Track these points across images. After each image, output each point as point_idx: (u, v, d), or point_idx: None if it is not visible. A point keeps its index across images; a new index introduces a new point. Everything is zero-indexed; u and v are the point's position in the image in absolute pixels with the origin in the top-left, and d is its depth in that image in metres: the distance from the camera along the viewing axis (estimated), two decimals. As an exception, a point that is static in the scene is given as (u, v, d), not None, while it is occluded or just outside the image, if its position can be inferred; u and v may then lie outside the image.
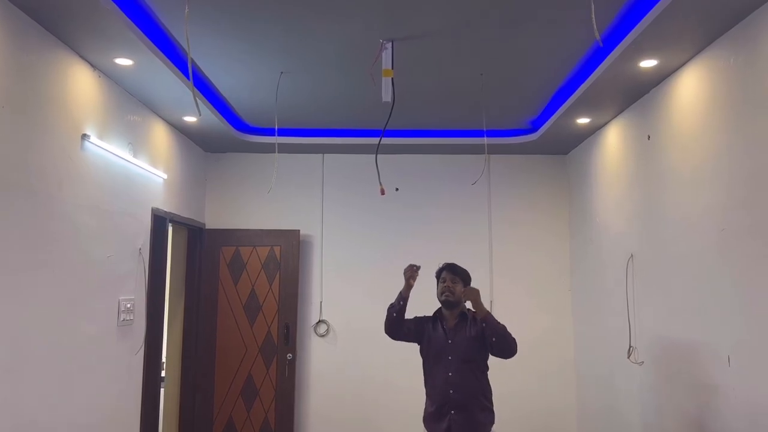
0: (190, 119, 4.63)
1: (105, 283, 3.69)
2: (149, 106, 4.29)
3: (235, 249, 5.53)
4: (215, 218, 5.71)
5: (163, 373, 5.19)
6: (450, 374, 3.34)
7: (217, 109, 4.60)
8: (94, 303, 3.56)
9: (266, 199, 5.56)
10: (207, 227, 5.63)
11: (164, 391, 5.36)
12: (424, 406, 3.49)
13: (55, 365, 3.13)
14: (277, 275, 5.48)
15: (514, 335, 3.36)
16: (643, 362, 3.97)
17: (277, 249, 5.52)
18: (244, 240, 5.54)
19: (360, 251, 5.67)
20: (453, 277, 3.47)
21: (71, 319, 3.29)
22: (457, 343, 3.39)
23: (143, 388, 4.24)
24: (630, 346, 4.12)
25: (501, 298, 5.61)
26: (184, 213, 5.13)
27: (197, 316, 5.43)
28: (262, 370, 5.38)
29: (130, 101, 4.03)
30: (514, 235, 5.71)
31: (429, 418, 3.42)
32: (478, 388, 3.37)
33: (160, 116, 4.54)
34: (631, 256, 4.15)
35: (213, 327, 5.42)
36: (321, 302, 5.61)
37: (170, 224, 4.86)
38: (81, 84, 3.39)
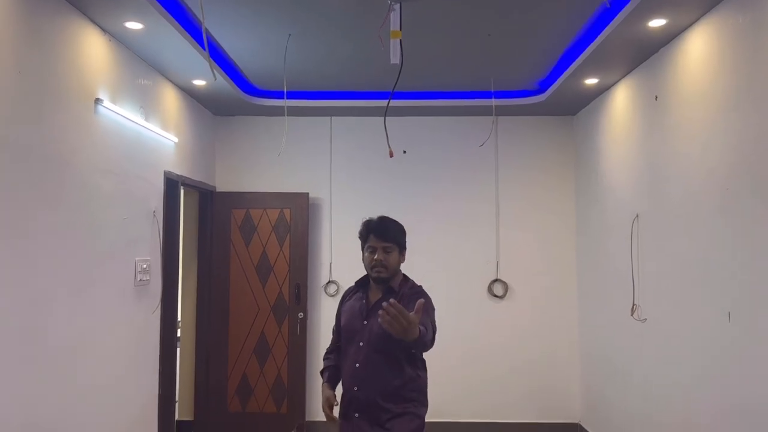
0: (199, 83, 4.67)
1: (121, 245, 3.79)
2: (159, 69, 4.33)
3: (245, 212, 5.62)
4: (225, 181, 5.79)
5: (178, 333, 5.35)
6: (357, 366, 2.53)
7: (226, 72, 4.63)
8: (111, 264, 3.67)
9: (275, 162, 5.63)
10: (217, 190, 5.72)
11: (180, 349, 5.53)
12: None
13: (76, 324, 3.25)
14: (288, 237, 5.59)
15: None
16: (646, 319, 4.06)
17: (286, 211, 5.60)
18: (254, 203, 5.62)
19: (368, 213, 5.69)
20: (385, 245, 2.58)
21: (90, 280, 3.40)
22: (373, 326, 2.50)
23: (160, 346, 4.39)
24: (633, 304, 4.21)
25: (507, 259, 5.70)
26: (195, 176, 5.20)
27: (210, 277, 5.57)
28: (275, 328, 5.53)
29: (140, 65, 4.06)
30: (520, 195, 5.76)
31: (340, 416, 2.64)
32: (393, 388, 2.50)
33: (169, 80, 4.58)
34: (637, 215, 4.21)
35: (226, 287, 5.56)
36: (331, 263, 5.72)
37: (182, 187, 4.95)
38: (92, 48, 3.42)
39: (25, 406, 2.81)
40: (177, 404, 5.24)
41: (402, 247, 2.65)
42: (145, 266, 4.07)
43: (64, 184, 3.14)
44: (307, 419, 5.49)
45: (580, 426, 5.50)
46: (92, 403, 3.43)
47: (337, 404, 2.64)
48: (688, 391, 3.49)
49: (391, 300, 2.04)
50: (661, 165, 3.88)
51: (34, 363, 2.88)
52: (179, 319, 5.40)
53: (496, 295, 5.68)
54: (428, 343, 2.37)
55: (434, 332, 2.46)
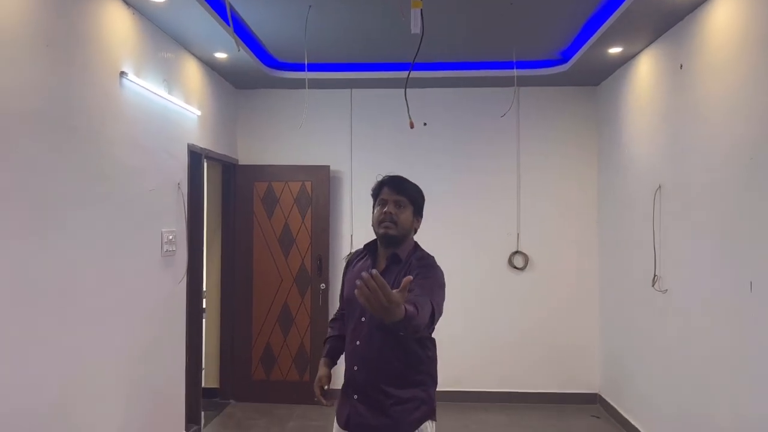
0: (221, 56, 4.70)
1: (148, 216, 3.88)
2: (182, 42, 4.36)
3: (267, 184, 5.68)
4: (247, 154, 5.85)
5: (204, 303, 5.48)
6: (357, 343, 2.26)
7: (247, 45, 4.64)
8: (138, 235, 3.76)
9: (297, 135, 5.67)
10: (240, 163, 5.78)
11: (206, 319, 5.67)
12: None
13: (105, 294, 3.36)
14: (309, 210, 5.65)
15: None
16: (667, 290, 4.06)
17: (308, 184, 5.66)
18: (276, 175, 5.68)
19: (389, 185, 5.77)
20: (398, 198, 2.27)
21: (118, 251, 3.50)
22: None
23: (187, 315, 4.51)
24: (654, 275, 4.20)
25: (528, 231, 5.70)
26: (218, 149, 5.27)
27: (234, 248, 5.67)
28: (297, 299, 5.63)
29: (163, 38, 4.10)
30: (542, 166, 5.74)
31: (340, 395, 2.38)
32: (397, 370, 2.20)
33: (192, 53, 4.61)
34: (659, 186, 4.18)
35: (249, 259, 5.66)
36: (351, 235, 5.78)
37: (205, 160, 5.01)
38: (117, 22, 3.47)
39: (60, 366, 2.93)
40: (203, 372, 5.39)
41: (417, 209, 2.31)
42: (170, 237, 4.16)
43: (91, 155, 3.21)
44: (328, 387, 5.60)
45: (600, 396, 5.54)
46: (122, 369, 3.56)
47: (328, 388, 2.40)
48: (709, 362, 3.50)
49: (374, 270, 1.66)
50: (684, 135, 3.83)
51: (69, 326, 2.99)
52: (204, 289, 5.52)
53: (516, 267, 5.70)
54: (420, 327, 1.92)
55: (434, 314, 2.00)
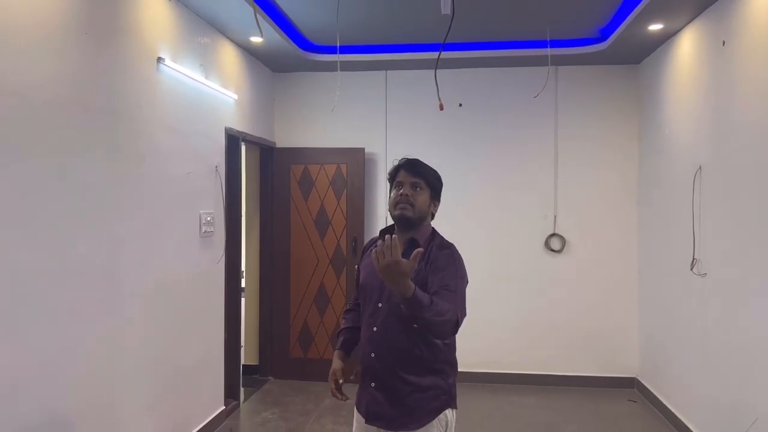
0: (256, 40, 4.76)
1: (186, 198, 4.00)
2: (218, 27, 4.44)
3: (303, 167, 5.76)
4: (284, 137, 5.93)
5: (243, 283, 5.63)
6: (374, 329, 2.19)
7: (282, 29, 4.69)
8: (177, 216, 3.88)
9: (332, 117, 5.71)
10: (277, 146, 5.87)
11: (245, 298, 5.83)
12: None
13: (147, 272, 3.49)
14: (344, 192, 5.71)
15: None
16: (706, 274, 3.97)
17: (343, 167, 5.71)
18: (312, 158, 5.75)
19: (424, 167, 5.77)
20: (415, 180, 2.22)
21: (158, 232, 3.63)
22: None
23: (225, 294, 4.64)
24: (693, 258, 4.11)
25: (565, 213, 5.63)
26: (255, 132, 5.36)
27: (272, 229, 5.79)
28: (333, 279, 5.72)
29: (199, 24, 4.19)
30: (580, 147, 5.63)
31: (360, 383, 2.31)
32: (414, 357, 2.14)
33: (228, 38, 4.69)
34: (700, 167, 4.06)
35: (287, 240, 5.77)
36: (386, 217, 5.82)
37: (243, 143, 5.11)
38: (153, 8, 3.56)
39: (102, 343, 3.08)
40: (243, 349, 5.55)
41: (435, 193, 2.26)
42: (209, 218, 4.28)
43: (131, 139, 3.33)
44: (344, 381, 5.69)
45: (637, 380, 5.47)
46: (162, 345, 3.70)
47: (343, 381, 2.33)
48: (748, 347, 3.42)
49: (394, 236, 1.74)
50: (726, 114, 3.71)
51: (111, 305, 3.13)
52: (243, 269, 5.66)
53: (553, 250, 5.64)
54: (435, 322, 1.88)
55: (456, 310, 1.94)
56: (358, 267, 2.47)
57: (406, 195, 2.19)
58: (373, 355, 2.19)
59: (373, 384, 2.19)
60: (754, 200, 3.34)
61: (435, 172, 2.28)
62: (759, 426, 3.24)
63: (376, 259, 1.77)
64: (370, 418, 2.20)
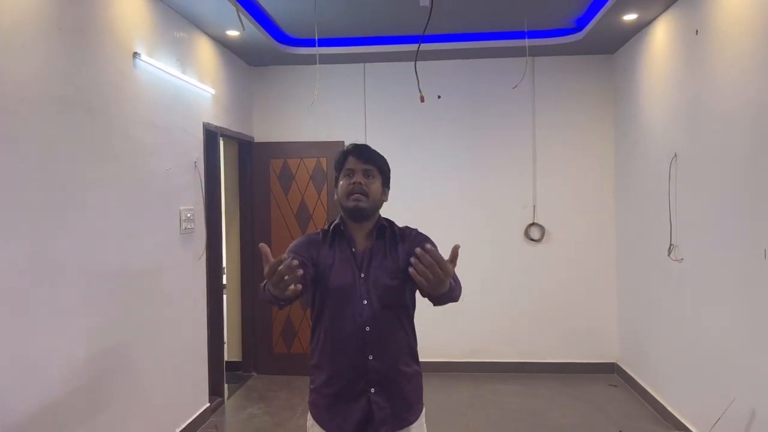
0: (232, 33, 4.71)
1: (165, 195, 3.95)
2: (194, 21, 4.39)
3: (283, 161, 5.73)
4: (263, 132, 5.89)
5: (224, 280, 5.59)
6: (367, 329, 2.00)
7: (259, 22, 4.65)
8: (157, 213, 3.84)
9: (311, 111, 5.68)
10: (255, 140, 5.83)
11: (227, 294, 5.79)
12: (310, 382, 2.19)
13: (127, 270, 3.45)
14: (325, 186, 5.70)
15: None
16: (683, 259, 4.05)
17: (323, 160, 5.70)
18: (291, 152, 5.73)
19: (404, 159, 5.78)
20: (367, 167, 2.05)
21: (138, 229, 3.58)
22: (375, 277, 2.02)
23: (207, 290, 4.61)
24: (671, 244, 4.19)
25: (544, 203, 5.69)
26: (233, 127, 5.32)
27: (252, 225, 5.75)
28: (315, 274, 5.70)
29: (175, 18, 4.13)
30: (558, 137, 5.70)
31: (327, 404, 2.08)
32: (408, 347, 2.09)
33: (204, 32, 4.64)
34: (675, 155, 4.13)
35: (267, 235, 5.74)
36: (368, 210, 5.81)
37: (221, 138, 5.07)
38: (128, 3, 3.50)
39: (83, 343, 3.04)
40: (226, 345, 5.53)
41: (386, 179, 2.10)
42: (189, 215, 4.24)
43: (108, 136, 3.28)
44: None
45: (617, 365, 5.57)
46: (145, 343, 3.67)
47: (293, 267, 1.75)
48: (725, 330, 3.50)
49: (428, 245, 1.64)
50: (700, 102, 3.78)
51: (90, 305, 3.09)
52: (224, 265, 5.63)
53: (532, 239, 5.70)
54: (455, 298, 1.94)
55: (459, 284, 1.97)
56: (307, 248, 2.07)
57: (359, 183, 2.02)
58: (371, 357, 2.00)
59: (372, 389, 2.01)
60: (727, 186, 3.42)
61: (383, 157, 2.12)
62: (735, 406, 3.33)
63: (421, 274, 1.64)
64: (376, 428, 2.01)
